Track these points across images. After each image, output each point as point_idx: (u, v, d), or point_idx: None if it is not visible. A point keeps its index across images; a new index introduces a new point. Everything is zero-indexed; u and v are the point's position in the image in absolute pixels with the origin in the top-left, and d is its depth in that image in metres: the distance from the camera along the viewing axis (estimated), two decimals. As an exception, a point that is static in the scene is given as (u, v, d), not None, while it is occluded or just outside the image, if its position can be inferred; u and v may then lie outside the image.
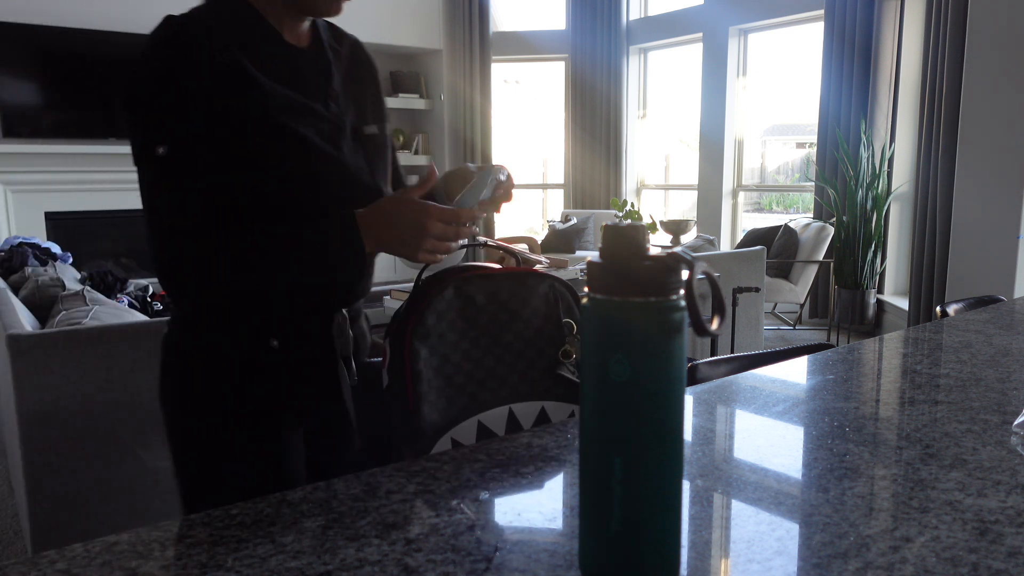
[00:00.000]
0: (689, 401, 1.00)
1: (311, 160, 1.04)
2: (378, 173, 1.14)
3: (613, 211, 6.59)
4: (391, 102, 7.16)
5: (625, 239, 0.53)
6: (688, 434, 0.87)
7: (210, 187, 0.98)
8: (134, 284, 4.21)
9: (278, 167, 1.02)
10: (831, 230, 5.31)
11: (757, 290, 3.94)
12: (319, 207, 1.03)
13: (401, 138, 7.62)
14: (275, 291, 1.03)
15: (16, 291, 3.10)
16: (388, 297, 3.09)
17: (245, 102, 0.99)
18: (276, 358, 1.06)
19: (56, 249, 4.36)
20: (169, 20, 0.98)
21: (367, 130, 1.13)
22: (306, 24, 1.10)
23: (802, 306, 5.50)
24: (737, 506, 0.69)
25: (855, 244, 5.20)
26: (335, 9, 1.05)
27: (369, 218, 0.99)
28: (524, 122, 8.16)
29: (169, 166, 0.96)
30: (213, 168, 0.98)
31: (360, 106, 1.14)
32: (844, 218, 5.23)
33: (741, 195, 6.64)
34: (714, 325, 0.53)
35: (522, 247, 5.52)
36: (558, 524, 0.65)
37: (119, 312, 2.60)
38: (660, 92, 7.42)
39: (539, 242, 6.31)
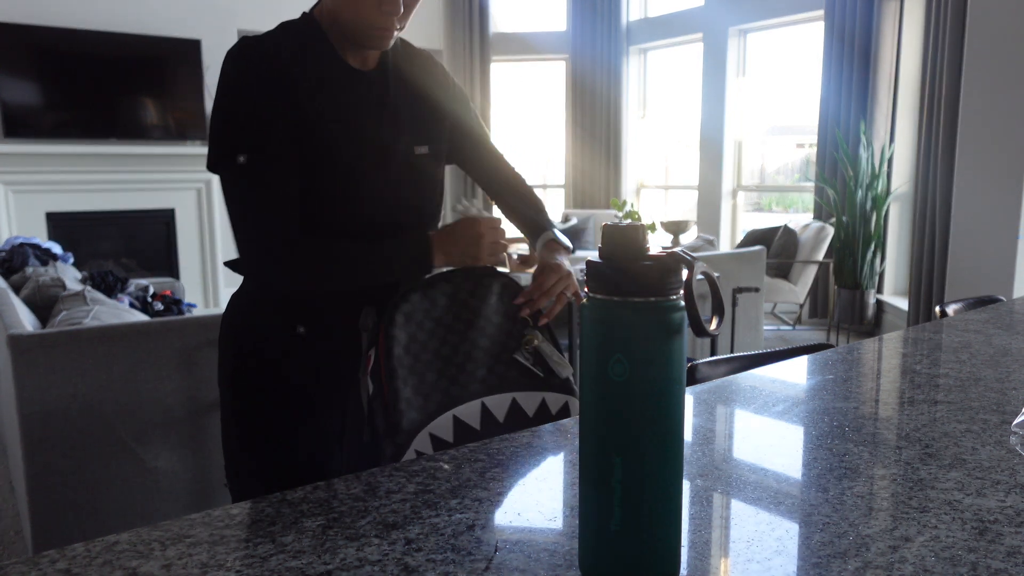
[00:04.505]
0: (689, 401, 1.00)
1: (348, 179, 1.11)
2: (423, 191, 1.20)
3: (613, 211, 6.59)
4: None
5: (625, 239, 0.53)
6: (688, 434, 0.87)
7: (290, 190, 1.06)
8: (134, 284, 4.20)
9: (317, 184, 1.09)
10: (831, 230, 5.31)
11: (757, 290, 3.94)
12: (353, 222, 1.11)
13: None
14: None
15: (17, 291, 3.11)
16: None
17: (294, 121, 1.05)
18: (302, 344, 1.14)
19: (57, 249, 4.36)
20: (241, 40, 1.07)
21: (418, 150, 1.18)
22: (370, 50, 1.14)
23: (802, 306, 5.50)
24: (737, 506, 0.69)
25: (855, 244, 5.20)
26: (383, 44, 1.10)
27: (439, 238, 1.12)
28: (524, 122, 8.15)
29: (251, 173, 1.03)
30: (291, 172, 1.06)
31: (418, 124, 1.19)
32: (844, 218, 5.23)
33: (741, 195, 6.64)
34: (713, 325, 0.53)
35: (521, 248, 5.52)
36: (558, 524, 0.66)
37: (120, 312, 2.60)
38: (660, 92, 7.42)
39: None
